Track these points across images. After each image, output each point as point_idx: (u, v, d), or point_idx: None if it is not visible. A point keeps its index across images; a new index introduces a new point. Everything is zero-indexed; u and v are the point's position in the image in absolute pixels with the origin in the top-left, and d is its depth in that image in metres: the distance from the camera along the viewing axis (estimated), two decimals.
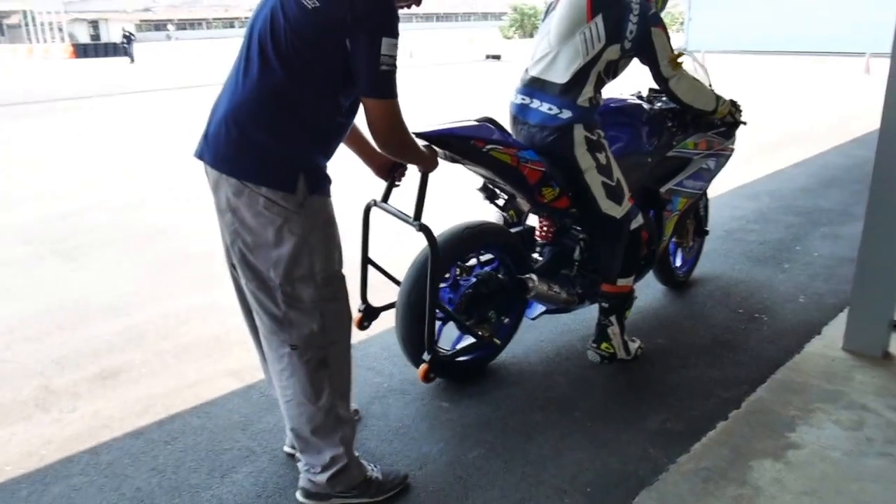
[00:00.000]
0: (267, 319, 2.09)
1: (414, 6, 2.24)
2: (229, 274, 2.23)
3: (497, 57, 26.99)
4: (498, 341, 3.00)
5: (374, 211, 2.72)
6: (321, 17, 1.94)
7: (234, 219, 2.02)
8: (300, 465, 2.25)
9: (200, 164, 2.07)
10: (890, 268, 3.01)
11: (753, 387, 2.89)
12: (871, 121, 9.40)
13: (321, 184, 2.04)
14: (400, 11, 2.04)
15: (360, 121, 2.25)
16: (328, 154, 2.11)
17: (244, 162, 1.97)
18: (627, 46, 2.81)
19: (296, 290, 2.04)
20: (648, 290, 3.90)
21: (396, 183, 2.64)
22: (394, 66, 1.98)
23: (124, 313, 3.80)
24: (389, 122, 2.02)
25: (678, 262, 3.99)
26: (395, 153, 2.20)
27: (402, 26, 2.08)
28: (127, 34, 34.54)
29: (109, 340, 3.47)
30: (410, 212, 2.52)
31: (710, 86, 3.36)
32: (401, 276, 2.80)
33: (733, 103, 3.29)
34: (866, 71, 18.20)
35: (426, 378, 2.61)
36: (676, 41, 2.98)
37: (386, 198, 2.67)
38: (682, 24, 33.22)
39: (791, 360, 3.09)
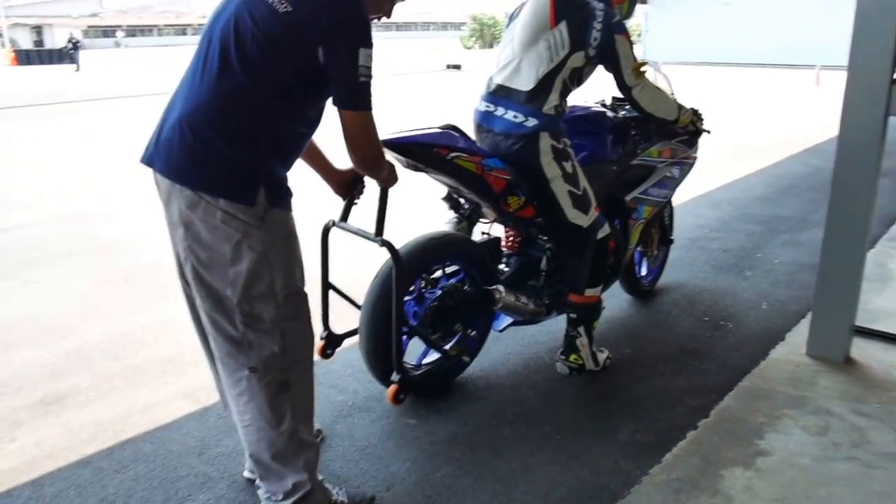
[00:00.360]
0: (223, 341, 1.98)
1: (384, 18, 2.19)
2: (182, 289, 2.11)
3: (457, 67, 27.08)
4: (467, 359, 2.93)
5: (334, 231, 2.62)
6: (292, 22, 1.87)
7: (187, 234, 1.90)
8: (260, 492, 2.14)
9: (150, 172, 1.95)
10: (850, 273, 3.03)
11: (721, 395, 2.87)
12: (823, 131, 9.63)
13: (282, 197, 1.94)
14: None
15: (318, 136, 2.18)
16: (288, 165, 2.01)
17: (200, 171, 1.85)
18: (592, 54, 2.78)
19: (255, 310, 1.93)
20: (615, 300, 3.87)
21: (356, 200, 2.55)
22: (371, 76, 1.92)
23: (71, 333, 3.63)
24: (368, 135, 1.96)
25: (644, 272, 3.98)
26: (370, 166, 2.09)
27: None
28: (73, 40, 33.07)
29: (54, 363, 3.30)
30: (371, 229, 2.45)
31: (673, 95, 3.36)
32: (363, 299, 2.70)
33: (695, 112, 3.29)
34: (816, 83, 18.67)
35: (395, 400, 2.53)
36: (636, 52, 2.97)
37: (345, 217, 2.58)
38: (639, 35, 33.77)
39: (757, 367, 3.09)
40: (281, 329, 1.96)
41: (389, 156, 2.64)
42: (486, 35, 50.57)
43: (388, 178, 2.30)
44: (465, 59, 30.48)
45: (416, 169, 2.69)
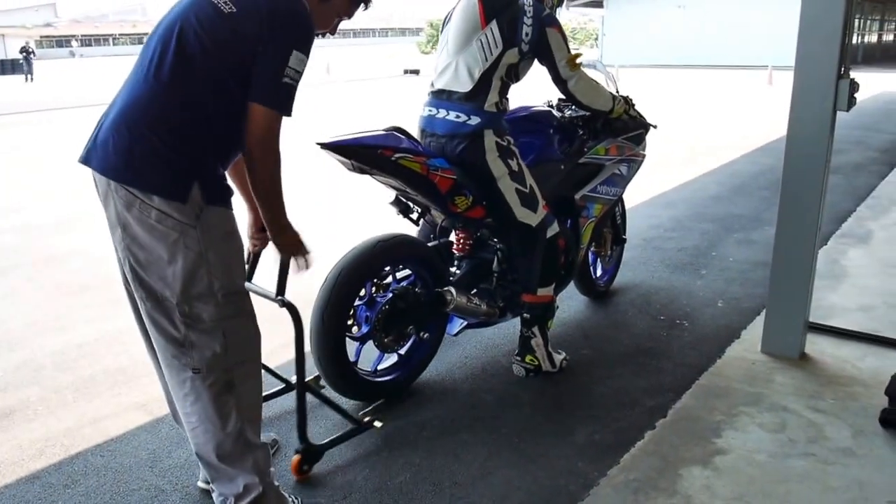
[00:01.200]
0: (165, 343, 1.94)
1: (328, 35, 2.20)
2: (126, 293, 2.06)
3: (416, 72, 27.11)
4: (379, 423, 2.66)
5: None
6: (236, 23, 1.88)
7: (124, 234, 1.88)
8: (214, 495, 2.10)
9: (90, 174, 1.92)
10: (802, 271, 3.08)
11: (678, 394, 2.89)
12: (774, 130, 9.83)
13: (219, 194, 1.91)
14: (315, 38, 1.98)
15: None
16: (225, 164, 1.99)
17: (134, 168, 1.83)
18: (525, 49, 2.80)
19: (194, 310, 1.90)
20: (571, 301, 3.89)
21: (254, 246, 2.45)
22: (297, 81, 1.91)
23: (19, 346, 3.53)
24: (267, 131, 1.89)
25: (598, 272, 4.00)
26: (258, 157, 1.91)
27: (317, 41, 2.02)
28: (27, 50, 32.10)
29: (3, 377, 3.20)
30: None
31: (617, 92, 3.39)
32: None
33: (626, 100, 3.33)
34: (769, 83, 19.08)
35: (299, 472, 2.39)
36: (591, 56, 3.00)
37: (250, 274, 2.48)
38: (596, 39, 34.16)
39: (713, 365, 3.13)
40: (223, 328, 1.93)
41: (334, 158, 2.62)
42: None
43: (288, 238, 2.12)
44: (422, 64, 30.49)
45: (362, 171, 2.67)
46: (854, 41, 25.87)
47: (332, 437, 2.54)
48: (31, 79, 29.86)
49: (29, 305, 4.10)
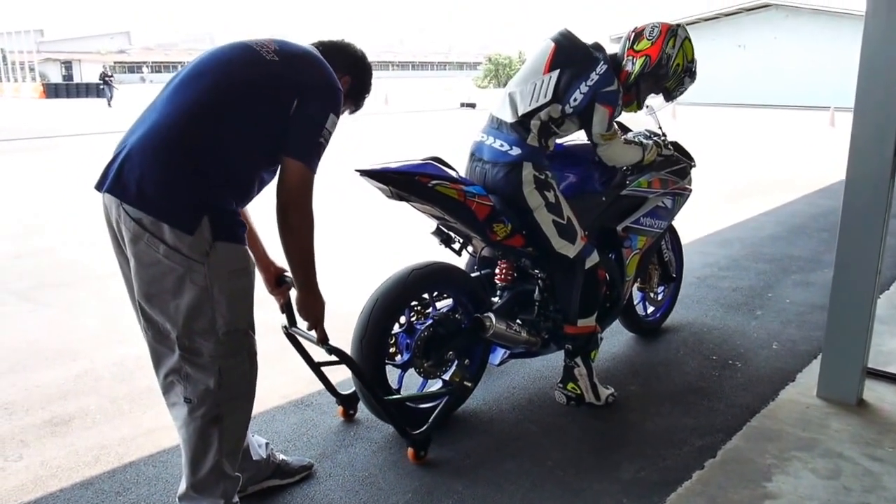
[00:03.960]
0: (163, 371, 2.02)
1: (354, 110, 2.35)
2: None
3: (472, 105, 27.28)
4: (469, 383, 2.91)
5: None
6: (276, 72, 1.98)
7: (130, 265, 1.94)
8: None
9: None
10: (861, 315, 3.01)
11: (729, 434, 2.83)
12: (836, 172, 9.61)
13: (230, 230, 1.94)
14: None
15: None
16: (240, 203, 2.04)
17: (144, 193, 1.86)
18: (568, 111, 2.87)
19: (194, 344, 1.95)
20: (621, 337, 3.86)
21: (279, 299, 2.54)
22: (327, 143, 2.01)
23: (80, 356, 3.65)
24: (302, 189, 1.98)
25: (650, 309, 3.96)
26: (292, 221, 2.00)
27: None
28: (107, 75, 31.14)
29: (63, 385, 3.32)
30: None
31: (663, 133, 3.45)
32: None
33: (657, 143, 3.35)
34: (831, 124, 18.69)
35: (417, 457, 2.63)
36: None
37: (293, 320, 2.56)
38: None
39: (766, 407, 3.06)
40: (219, 365, 1.97)
41: (372, 185, 2.68)
42: (500, 75, 51.18)
43: (312, 303, 2.18)
44: (478, 97, 30.75)
45: (400, 198, 2.71)
46: None
47: (428, 423, 2.69)
48: (111, 104, 29.04)
49: (91, 318, 4.24)
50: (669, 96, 3.19)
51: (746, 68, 29.53)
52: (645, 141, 3.30)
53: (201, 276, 1.89)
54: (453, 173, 2.83)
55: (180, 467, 2.57)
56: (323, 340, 2.30)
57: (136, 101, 30.10)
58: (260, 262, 2.42)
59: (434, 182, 2.67)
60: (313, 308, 2.20)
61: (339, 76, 2.16)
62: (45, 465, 2.64)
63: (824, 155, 12.52)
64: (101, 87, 30.92)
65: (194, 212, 1.87)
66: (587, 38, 3.01)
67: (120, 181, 1.88)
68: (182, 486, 2.12)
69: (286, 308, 2.55)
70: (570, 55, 2.88)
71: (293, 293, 2.32)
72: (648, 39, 3.01)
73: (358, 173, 2.62)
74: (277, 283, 2.48)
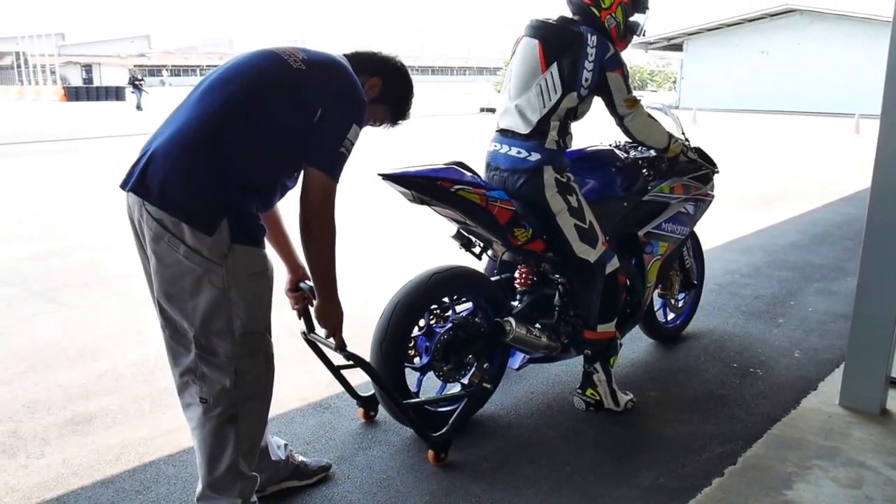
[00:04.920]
0: (180, 370, 2.04)
1: (387, 125, 2.36)
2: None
3: (492, 110, 27.18)
4: (488, 385, 2.90)
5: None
6: (301, 80, 2.00)
7: (150, 264, 1.97)
8: None
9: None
10: (884, 324, 2.97)
11: (749, 442, 2.81)
12: (860, 179, 9.52)
13: (250, 233, 1.96)
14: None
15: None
16: (263, 207, 2.05)
17: (166, 193, 1.89)
18: (584, 93, 2.83)
19: (211, 344, 1.96)
20: (640, 343, 3.84)
21: (297, 306, 2.55)
22: (349, 153, 2.02)
23: (102, 356, 3.69)
24: (324, 198, 2.00)
25: (670, 316, 3.94)
26: (313, 230, 2.03)
27: None
28: (136, 78, 29.96)
29: (84, 385, 3.35)
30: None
31: (683, 134, 3.39)
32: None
33: (686, 145, 3.31)
34: (856, 131, 18.48)
35: (438, 459, 2.64)
36: (669, 99, 3.02)
37: (311, 326, 2.57)
38: (674, 83, 33.84)
39: (787, 415, 3.03)
40: (236, 365, 1.98)
41: (395, 189, 2.69)
42: None
43: (331, 311, 2.19)
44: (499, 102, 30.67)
45: (422, 202, 2.72)
46: None
47: (448, 425, 2.69)
48: (141, 107, 28.00)
49: (112, 318, 4.28)
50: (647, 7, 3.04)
51: (769, 74, 29.27)
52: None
53: (219, 277, 1.91)
54: (476, 178, 2.83)
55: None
56: (341, 347, 2.31)
57: (162, 105, 30.01)
58: (288, 263, 2.44)
59: (456, 187, 2.67)
60: (332, 317, 2.22)
61: (368, 79, 2.18)
62: (66, 463, 2.67)
63: (848, 163, 12.39)
64: (131, 90, 29.81)
65: (214, 213, 1.89)
66: (553, 13, 2.95)
67: (144, 181, 1.91)
68: (199, 487, 2.13)
69: (303, 314, 2.56)
70: (558, 43, 2.82)
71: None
72: None
73: (380, 177, 2.63)
74: (295, 287, 2.50)
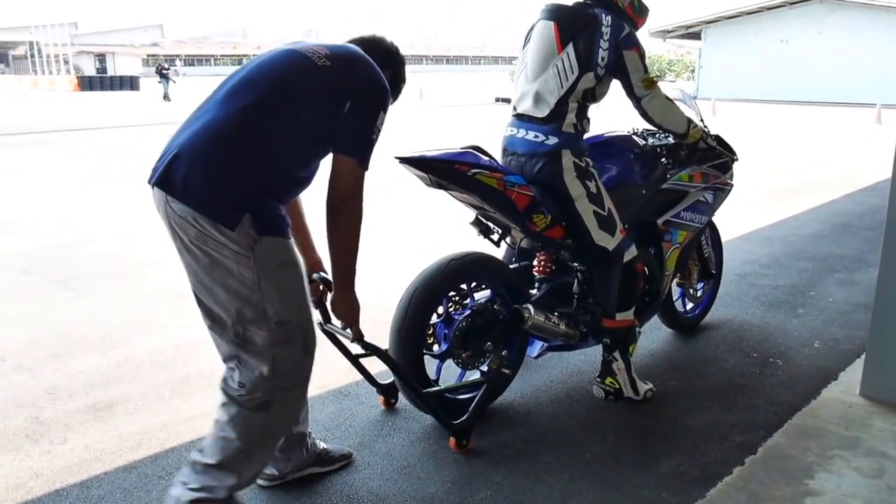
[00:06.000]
0: (221, 355, 2.09)
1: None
2: None
3: (507, 100, 26.94)
4: (507, 371, 2.89)
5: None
6: (327, 76, 2.03)
7: (183, 257, 2.00)
8: (180, 479, 2.10)
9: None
10: None
11: (770, 431, 2.79)
12: (881, 169, 9.41)
13: (273, 224, 1.98)
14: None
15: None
16: (282, 200, 2.07)
17: (190, 188, 1.92)
18: (601, 73, 2.81)
19: (248, 333, 1.99)
20: (660, 333, 3.82)
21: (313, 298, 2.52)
22: (377, 139, 2.06)
23: (121, 344, 3.72)
24: (354, 185, 2.04)
25: (689, 305, 3.92)
26: (343, 217, 2.07)
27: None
28: (164, 67, 28.80)
29: (105, 372, 3.38)
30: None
31: (702, 121, 3.36)
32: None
33: (706, 132, 3.27)
34: (877, 121, 18.26)
35: (459, 446, 2.65)
36: (688, 89, 2.99)
37: (327, 317, 2.57)
38: (692, 72, 33.54)
39: (808, 405, 3.01)
40: (273, 353, 2.00)
41: (412, 173, 2.69)
42: None
43: (347, 303, 2.23)
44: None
45: (440, 186, 2.71)
46: None
47: (468, 412, 2.70)
48: (168, 97, 27.20)
49: (132, 307, 4.31)
50: None
51: (789, 63, 28.91)
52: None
53: (249, 269, 1.94)
54: (493, 162, 2.82)
55: None
56: (359, 338, 2.33)
57: (190, 95, 28.93)
58: (304, 254, 2.44)
59: (474, 171, 2.66)
60: (349, 309, 2.25)
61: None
62: (89, 449, 2.70)
63: (870, 152, 12.25)
64: (158, 79, 28.77)
65: (235, 208, 1.92)
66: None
67: (168, 177, 1.94)
68: (195, 453, 2.12)
69: (319, 305, 2.56)
70: (574, 24, 2.82)
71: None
72: None
73: (398, 160, 2.63)
74: (309, 279, 2.49)
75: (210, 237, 1.91)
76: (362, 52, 2.17)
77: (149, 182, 2.01)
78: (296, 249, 2.08)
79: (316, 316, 2.58)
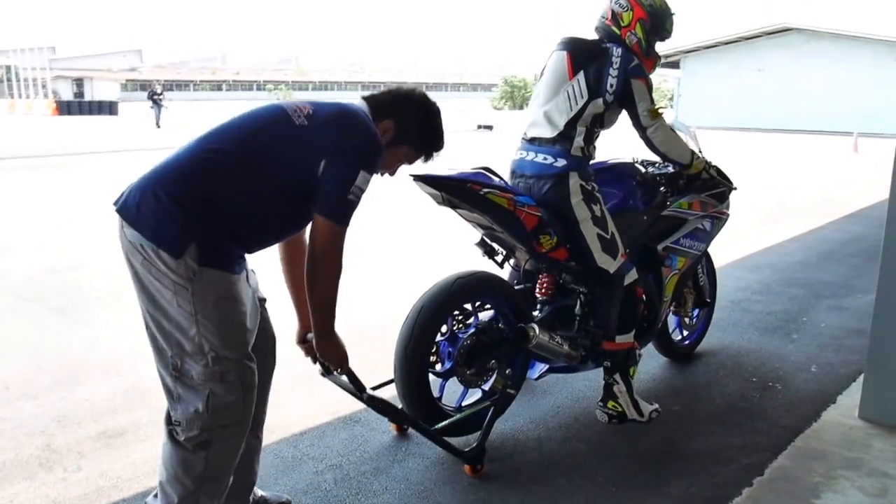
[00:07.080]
0: (163, 387, 2.07)
1: (388, 175, 2.36)
2: None
3: (489, 127, 27.27)
4: (512, 391, 2.92)
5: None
6: (304, 135, 2.06)
7: (134, 284, 2.02)
8: None
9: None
10: None
11: (775, 453, 2.86)
12: (863, 197, 9.60)
13: (219, 258, 1.98)
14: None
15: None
16: (247, 245, 2.09)
17: (142, 214, 1.95)
18: (609, 100, 2.92)
19: (185, 365, 1.99)
20: (661, 359, 3.89)
21: (307, 356, 2.56)
22: (359, 199, 2.05)
23: (126, 371, 3.71)
24: (331, 244, 2.04)
25: (684, 333, 3.99)
26: (319, 271, 2.07)
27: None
28: (155, 93, 26.97)
29: (111, 399, 3.38)
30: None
31: (701, 152, 3.47)
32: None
33: (708, 163, 3.38)
34: (854, 150, 18.62)
35: (474, 471, 2.69)
36: (667, 117, 3.09)
37: (328, 369, 2.56)
38: (671, 100, 33.99)
39: (809, 427, 3.09)
40: (209, 389, 1.98)
41: (424, 191, 2.76)
42: (516, 97, 51.41)
43: (331, 347, 2.24)
44: (494, 119, 30.75)
45: (451, 205, 2.79)
46: None
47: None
48: (159, 124, 26.03)
49: (131, 333, 4.26)
50: (668, 34, 3.16)
51: (766, 93, 29.47)
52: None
53: (187, 301, 1.93)
54: (504, 183, 2.90)
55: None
56: (361, 390, 2.38)
57: (183, 122, 27.71)
58: (300, 312, 2.48)
59: (485, 190, 2.73)
60: (333, 354, 2.26)
61: (380, 123, 2.20)
62: (104, 476, 2.71)
63: (849, 181, 12.49)
64: (150, 105, 27.15)
65: (181, 236, 1.93)
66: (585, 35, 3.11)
67: (126, 204, 1.99)
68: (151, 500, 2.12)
69: (316, 359, 2.55)
70: (586, 54, 2.96)
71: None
72: (626, 10, 3.03)
73: (412, 178, 2.70)
74: (303, 339, 2.52)
75: (153, 265, 1.93)
76: (354, 110, 2.16)
77: (114, 206, 2.04)
78: (239, 286, 2.05)
79: (317, 368, 2.59)
